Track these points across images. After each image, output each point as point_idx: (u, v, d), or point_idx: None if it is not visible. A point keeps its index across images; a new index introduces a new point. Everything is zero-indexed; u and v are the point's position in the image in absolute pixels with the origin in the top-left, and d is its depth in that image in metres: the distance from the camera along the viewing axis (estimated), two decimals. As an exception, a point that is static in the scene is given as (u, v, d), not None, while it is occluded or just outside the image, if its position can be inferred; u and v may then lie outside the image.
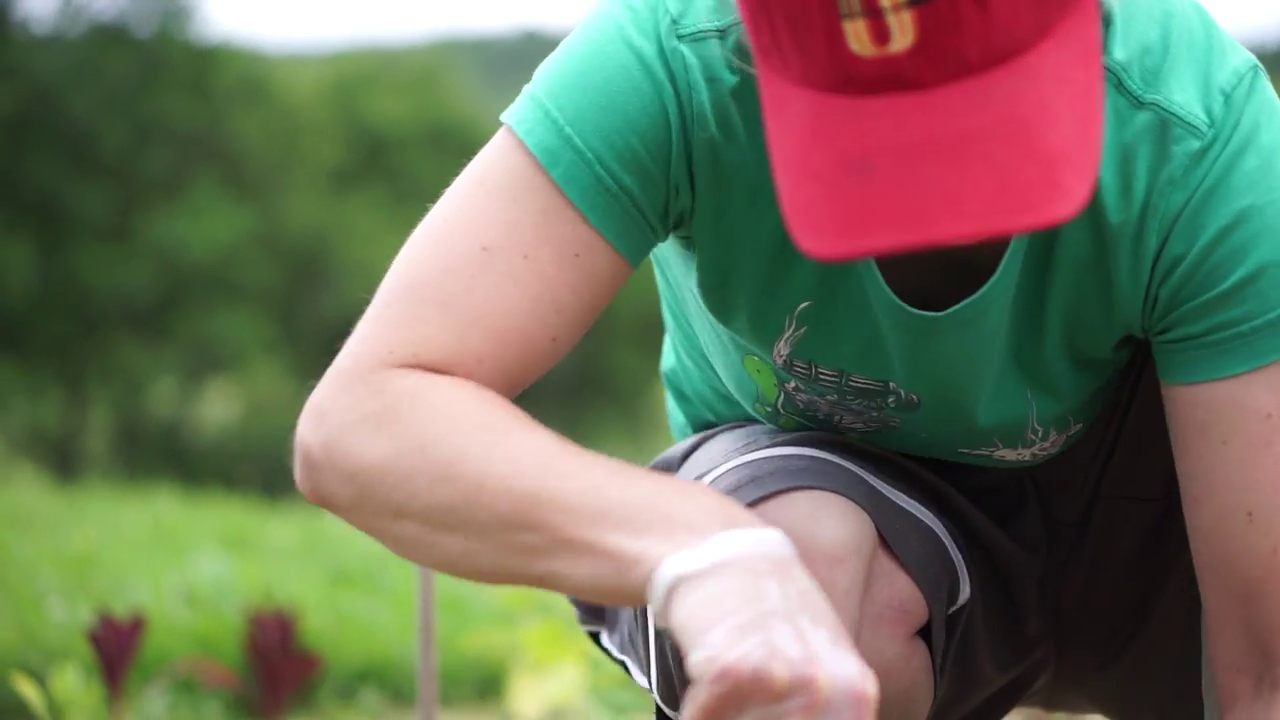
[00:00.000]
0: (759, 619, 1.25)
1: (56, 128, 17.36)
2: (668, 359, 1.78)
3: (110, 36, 18.26)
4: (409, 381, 1.39)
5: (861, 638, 1.53)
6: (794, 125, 1.25)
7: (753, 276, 1.49)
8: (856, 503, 1.53)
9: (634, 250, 1.43)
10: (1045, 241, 1.47)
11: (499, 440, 1.36)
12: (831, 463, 1.55)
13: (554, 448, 1.36)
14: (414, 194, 19.70)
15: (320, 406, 1.40)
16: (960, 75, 1.22)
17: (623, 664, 1.72)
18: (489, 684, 5.28)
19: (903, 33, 1.20)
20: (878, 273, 1.48)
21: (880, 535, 1.55)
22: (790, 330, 1.53)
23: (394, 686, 5.21)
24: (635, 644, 1.65)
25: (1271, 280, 1.43)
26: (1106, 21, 1.44)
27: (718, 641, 1.24)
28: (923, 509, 1.63)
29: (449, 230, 1.43)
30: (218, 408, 18.06)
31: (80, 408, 17.32)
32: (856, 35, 1.21)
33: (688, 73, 1.42)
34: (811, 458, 1.55)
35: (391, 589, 6.07)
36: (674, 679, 1.51)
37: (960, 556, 1.65)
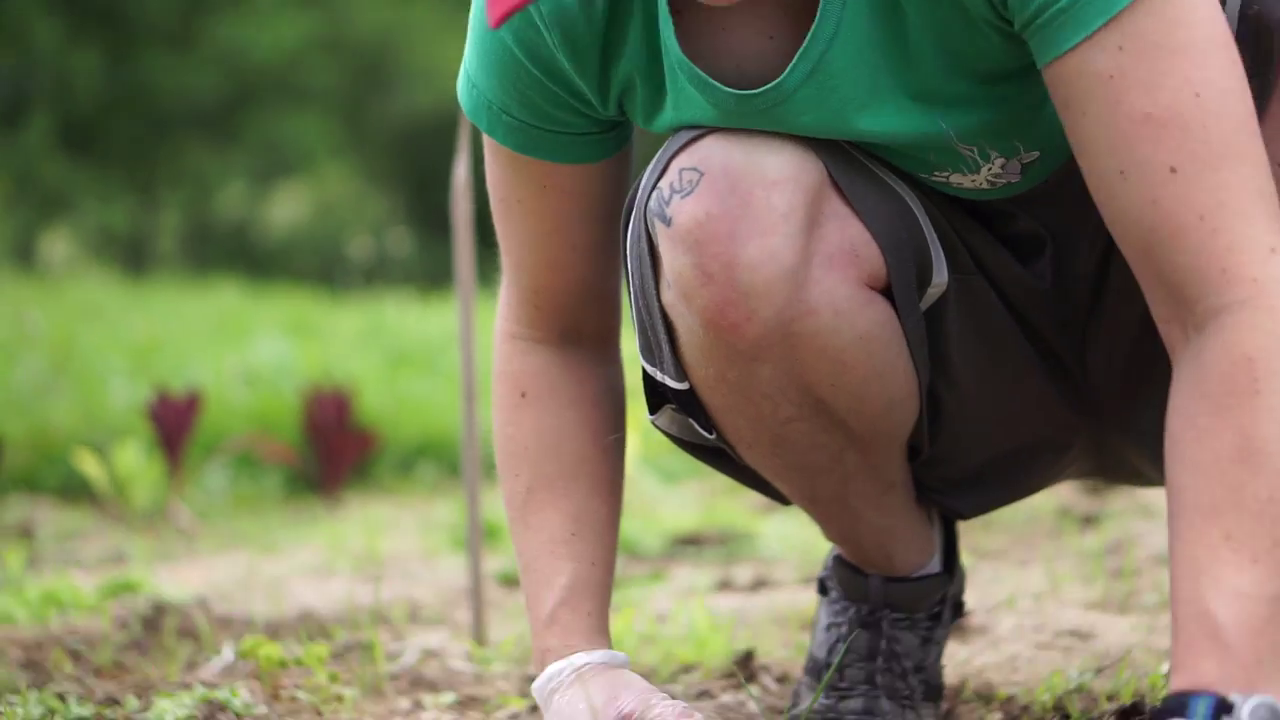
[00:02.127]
0: None
1: (119, -69, 17.26)
2: None
3: None
4: (512, 367, 1.85)
5: (809, 275, 1.64)
6: None
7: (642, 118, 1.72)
8: (808, 145, 1.64)
9: (582, 154, 1.74)
10: None
11: (523, 517, 1.82)
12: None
13: (525, 506, 1.82)
14: (478, -6, 19.48)
15: (498, 331, 1.88)
16: None
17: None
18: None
19: None
20: (704, 76, 1.63)
21: (834, 183, 1.65)
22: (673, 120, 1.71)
23: (448, 461, 5.29)
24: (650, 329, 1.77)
25: None
26: None
27: None
28: (904, 186, 1.68)
29: (490, 190, 1.82)
30: (285, 209, 18.13)
31: (151, 210, 17.42)
32: None
33: None
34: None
35: (447, 370, 6.13)
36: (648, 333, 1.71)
37: (937, 240, 1.69)
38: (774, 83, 1.62)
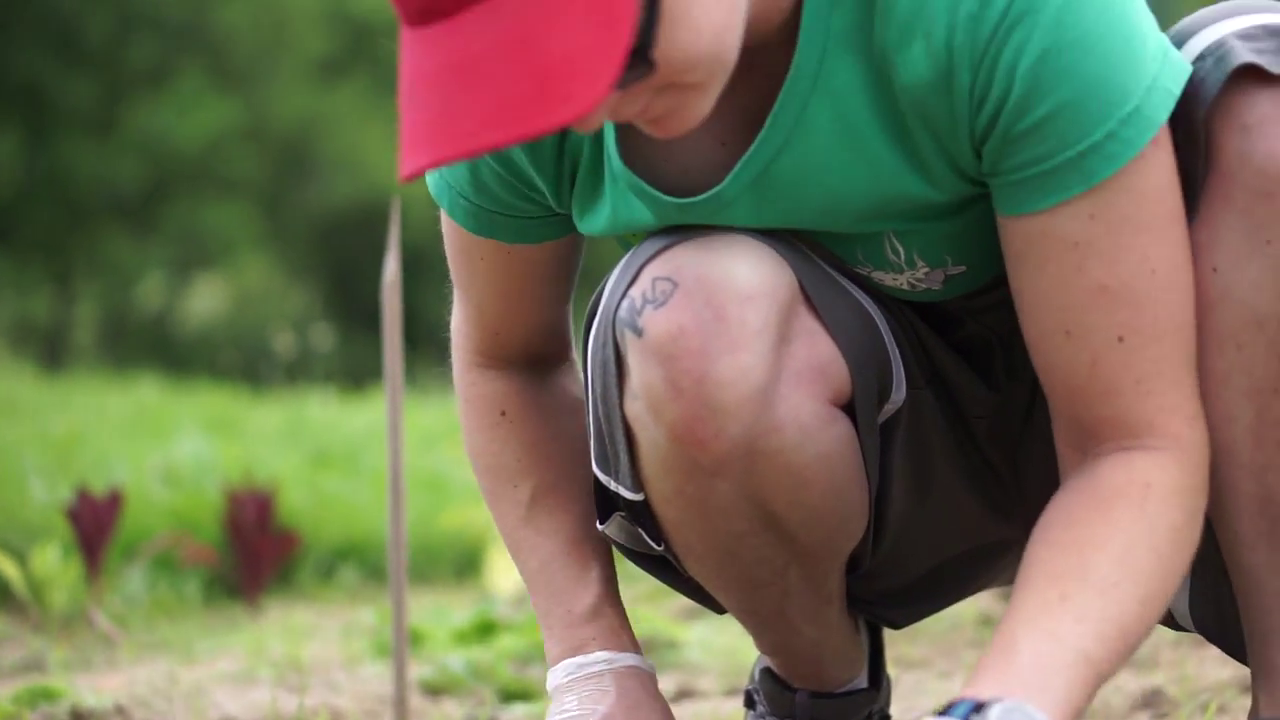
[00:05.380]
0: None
1: (41, 18, 17.21)
2: None
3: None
4: (473, 392, 1.86)
5: (778, 392, 1.63)
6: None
7: (584, 222, 1.72)
8: (780, 256, 1.64)
9: (542, 234, 1.75)
10: (857, 93, 1.56)
11: (499, 496, 1.84)
12: (760, 232, 1.67)
13: (523, 514, 1.83)
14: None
15: (454, 353, 1.89)
16: (477, 0, 1.35)
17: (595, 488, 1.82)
18: (467, 562, 5.32)
19: None
20: (645, 186, 1.64)
21: (805, 296, 1.65)
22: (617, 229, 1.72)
23: (372, 564, 5.25)
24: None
25: (1071, 117, 1.49)
26: None
27: None
28: (866, 297, 1.72)
29: (448, 237, 1.81)
30: (205, 300, 18.05)
31: (68, 300, 17.30)
32: None
33: None
34: (741, 229, 1.67)
35: (371, 470, 6.09)
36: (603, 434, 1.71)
37: (898, 354, 1.71)
38: (713, 191, 1.62)
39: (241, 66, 18.70)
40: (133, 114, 17.54)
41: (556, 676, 1.77)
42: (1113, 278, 1.52)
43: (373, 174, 16.89)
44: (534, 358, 1.86)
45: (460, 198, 1.73)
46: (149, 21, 17.87)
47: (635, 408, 1.64)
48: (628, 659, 1.77)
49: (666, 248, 1.63)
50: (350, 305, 16.52)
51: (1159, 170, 1.52)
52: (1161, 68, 1.52)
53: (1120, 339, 1.53)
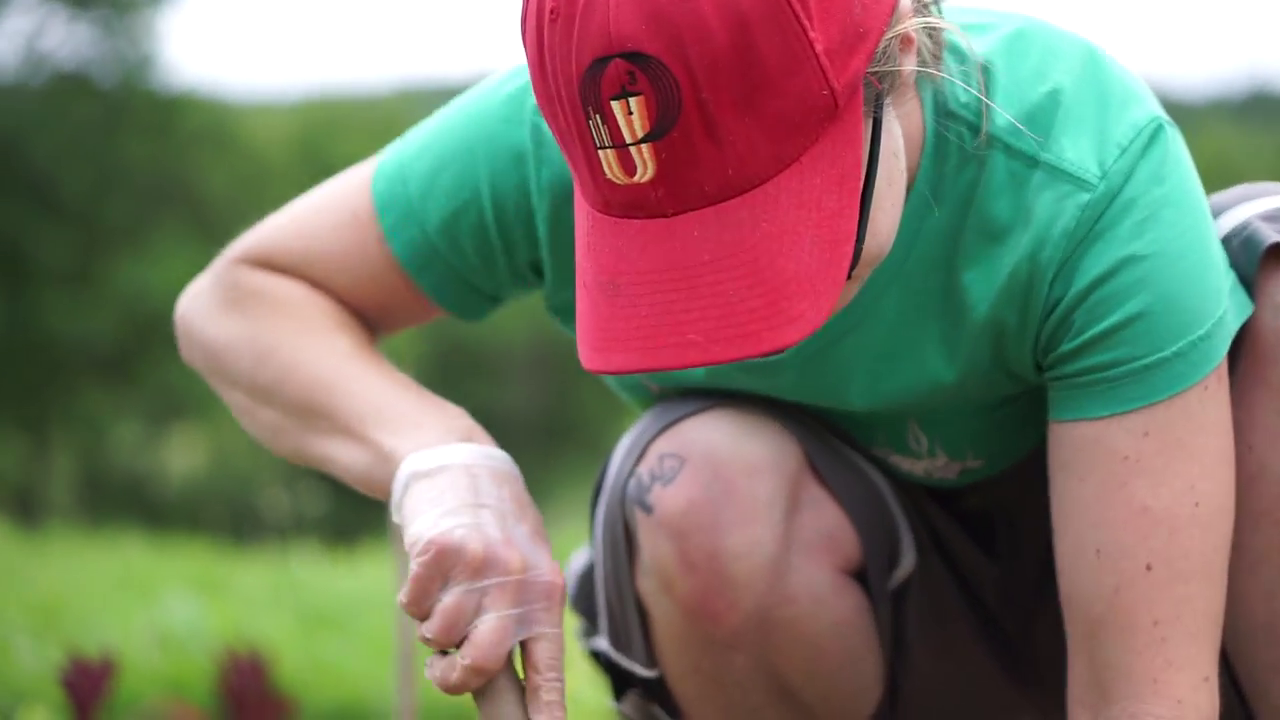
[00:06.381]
0: (467, 508, 1.46)
1: (19, 174, 17.28)
2: None
3: (74, 85, 18.19)
4: (257, 278, 1.69)
5: (790, 563, 1.63)
6: (579, 235, 1.37)
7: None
8: (785, 427, 1.64)
9: (464, 305, 1.67)
10: (927, 292, 1.56)
11: (310, 339, 1.64)
12: (766, 403, 1.66)
13: (352, 350, 1.63)
14: (379, 239, 19.58)
15: (193, 287, 1.73)
16: (699, 205, 1.30)
17: (607, 665, 1.78)
18: (467, 728, 5.23)
19: (644, 165, 1.29)
20: None
21: (812, 466, 1.65)
22: (653, 384, 1.69)
23: (369, 729, 5.14)
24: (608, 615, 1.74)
25: (1142, 329, 1.49)
26: (987, 91, 1.52)
27: (428, 522, 1.44)
28: (870, 465, 1.72)
29: (322, 194, 1.71)
30: (182, 454, 17.97)
31: (43, 454, 17.20)
32: (609, 165, 1.31)
33: (542, 147, 1.58)
34: (746, 396, 1.66)
35: (366, 632, 6.02)
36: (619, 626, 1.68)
37: (905, 521, 1.73)
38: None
39: (219, 222, 18.78)
40: (110, 269, 17.57)
41: (424, 461, 1.52)
42: (1155, 500, 1.50)
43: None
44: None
45: (416, 227, 1.63)
46: (127, 178, 17.96)
47: (648, 584, 1.64)
48: (496, 452, 1.56)
49: (672, 423, 1.64)
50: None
51: (1217, 405, 1.51)
52: (1230, 302, 1.53)
53: (1149, 567, 1.50)
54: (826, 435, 1.68)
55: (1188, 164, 1.52)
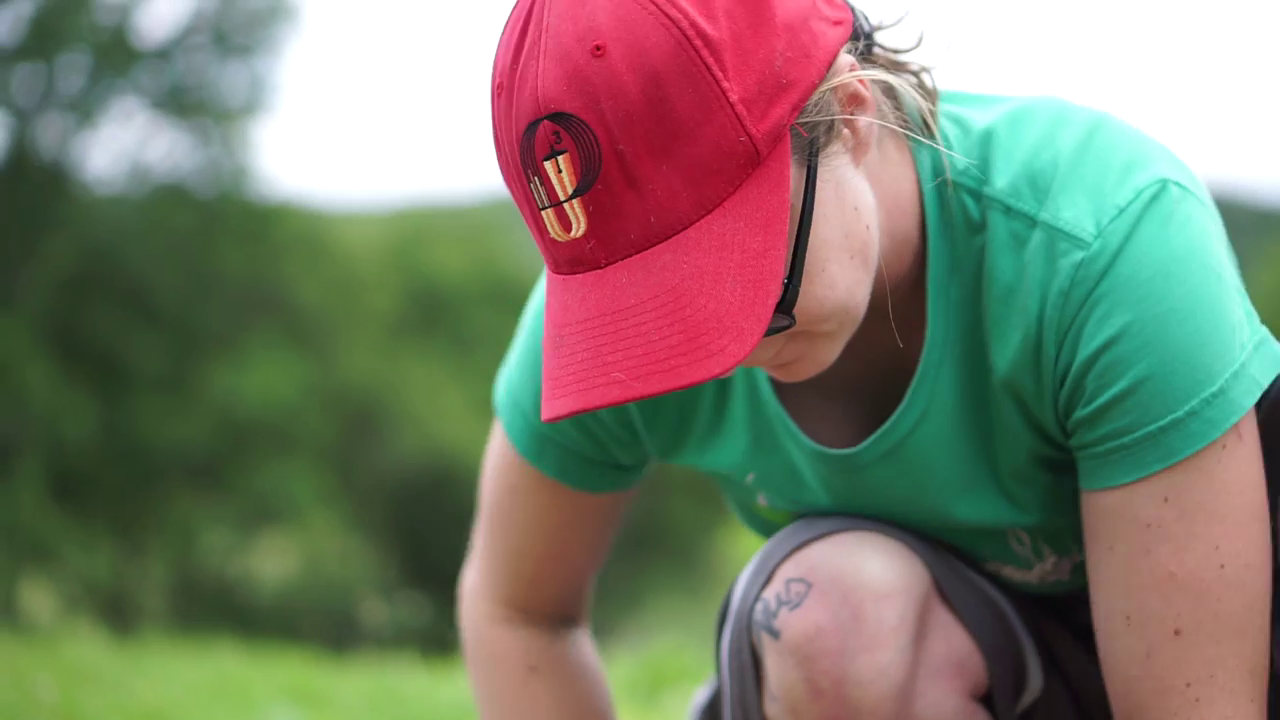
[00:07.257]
0: None
1: (117, 283, 17.50)
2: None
3: (172, 195, 18.47)
4: (489, 640, 1.85)
5: (917, 689, 1.61)
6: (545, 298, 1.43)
7: (702, 457, 1.72)
8: (912, 550, 1.63)
9: (588, 482, 1.75)
10: (970, 364, 1.56)
11: None
12: (890, 525, 1.65)
13: None
14: (470, 346, 19.79)
15: (461, 605, 1.90)
16: (627, 253, 1.36)
17: None
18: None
19: (578, 220, 1.35)
20: (793, 426, 1.63)
21: (939, 589, 1.63)
22: (760, 495, 1.70)
23: (475, 845, 5.06)
24: None
25: (1151, 393, 1.47)
26: (983, 159, 1.54)
27: None
28: (991, 585, 1.70)
29: (488, 474, 1.82)
30: (275, 561, 18.00)
31: (136, 561, 17.28)
32: (551, 224, 1.37)
33: None
34: (873, 519, 1.66)
35: (467, 744, 5.93)
36: None
37: (1030, 643, 1.70)
38: (850, 450, 1.62)
39: (312, 329, 18.94)
40: (204, 376, 17.73)
41: None
42: (1180, 566, 1.49)
43: (438, 434, 16.94)
44: (562, 616, 1.87)
45: (543, 439, 1.74)
46: (222, 286, 18.16)
47: (775, 710, 1.63)
48: None
49: (798, 548, 1.64)
50: (420, 565, 16.45)
51: (1240, 462, 1.49)
52: (1252, 356, 1.50)
53: (1177, 632, 1.49)
54: (949, 557, 1.67)
55: (1199, 222, 1.49)
